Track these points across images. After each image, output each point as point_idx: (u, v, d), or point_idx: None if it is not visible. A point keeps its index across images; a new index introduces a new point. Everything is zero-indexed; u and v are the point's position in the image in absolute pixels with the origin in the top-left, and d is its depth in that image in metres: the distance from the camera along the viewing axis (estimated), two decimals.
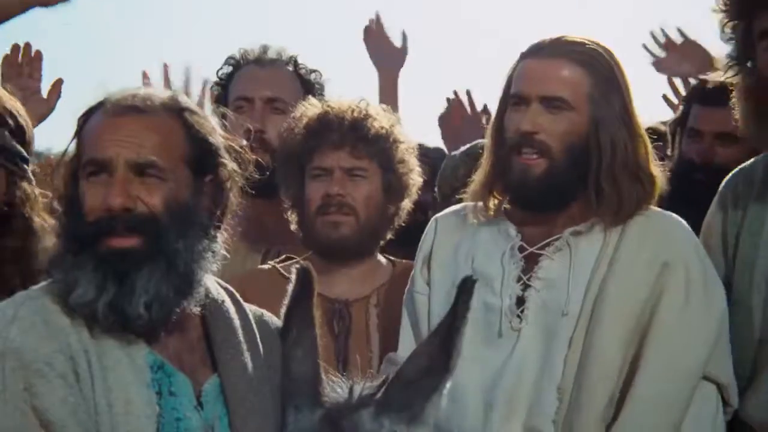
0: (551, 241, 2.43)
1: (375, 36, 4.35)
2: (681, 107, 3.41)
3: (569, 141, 2.39)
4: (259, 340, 2.06)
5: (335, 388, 1.81)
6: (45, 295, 1.94)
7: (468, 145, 3.41)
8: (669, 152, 3.39)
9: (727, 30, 2.58)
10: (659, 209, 2.47)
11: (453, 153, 3.47)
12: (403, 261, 2.90)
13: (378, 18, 4.39)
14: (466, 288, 1.51)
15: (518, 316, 2.39)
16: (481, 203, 2.52)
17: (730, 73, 2.59)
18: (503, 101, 2.47)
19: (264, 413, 1.96)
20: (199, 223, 1.99)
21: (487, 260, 2.46)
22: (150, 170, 1.94)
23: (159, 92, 2.04)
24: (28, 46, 3.29)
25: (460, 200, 3.13)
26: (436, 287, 2.52)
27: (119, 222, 1.90)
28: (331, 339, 2.76)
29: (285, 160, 2.92)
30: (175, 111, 2.01)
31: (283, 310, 2.04)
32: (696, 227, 2.94)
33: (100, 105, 2.01)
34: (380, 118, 2.84)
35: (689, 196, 3.02)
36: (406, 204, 2.88)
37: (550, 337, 2.36)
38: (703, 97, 3.24)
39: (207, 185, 2.02)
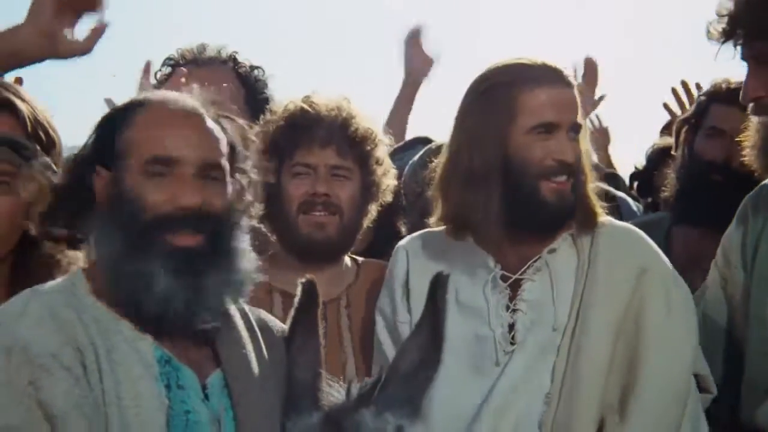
0: (530, 264, 2.49)
1: (416, 44, 4.37)
2: (694, 106, 3.40)
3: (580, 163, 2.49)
4: (260, 336, 2.10)
5: (330, 391, 1.85)
6: (53, 291, 1.97)
7: (422, 152, 3.43)
8: (674, 151, 3.43)
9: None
10: (615, 220, 2.59)
11: (411, 161, 3.46)
12: (366, 260, 2.91)
13: (422, 28, 4.40)
14: (440, 283, 1.57)
15: (510, 342, 2.45)
16: (449, 229, 2.51)
17: None
18: (505, 127, 2.43)
19: (268, 406, 2.00)
20: (240, 221, 2.05)
21: (472, 292, 2.49)
22: (214, 172, 2.01)
23: (192, 97, 2.11)
24: None
25: (424, 203, 3.13)
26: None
27: (192, 221, 1.94)
28: None
29: (261, 153, 2.74)
30: (215, 117, 2.09)
31: (288, 320, 2.08)
32: (711, 230, 3.05)
33: (141, 103, 2.06)
34: (364, 117, 2.83)
35: (705, 197, 3.14)
36: (375, 206, 2.87)
37: (541, 352, 2.43)
38: (727, 97, 3.22)
39: (236, 183, 2.10)
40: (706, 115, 3.30)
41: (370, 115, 2.88)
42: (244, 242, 2.04)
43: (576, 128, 2.47)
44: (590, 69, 4.30)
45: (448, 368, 2.28)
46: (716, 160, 3.19)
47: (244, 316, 2.13)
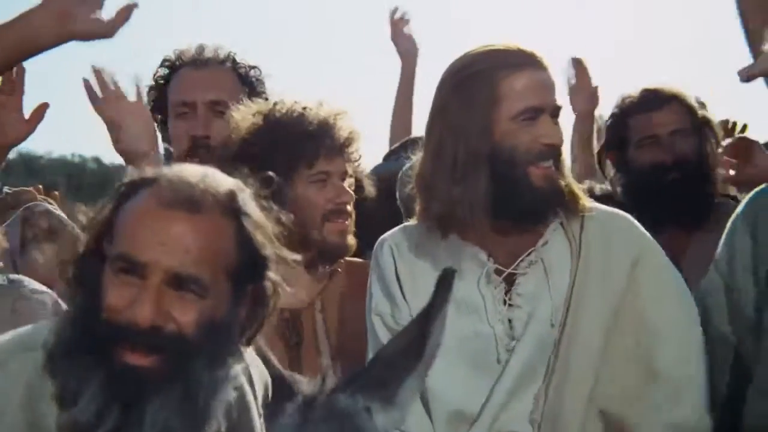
0: (524, 257, 2.44)
1: (400, 27, 4.44)
2: (608, 131, 3.50)
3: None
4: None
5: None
6: (43, 348, 1.71)
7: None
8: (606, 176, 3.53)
9: None
10: (601, 205, 2.55)
11: (404, 169, 3.33)
12: (341, 260, 2.86)
13: (401, 12, 4.46)
14: (446, 279, 1.53)
15: (511, 337, 2.41)
16: (434, 226, 2.44)
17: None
18: (489, 115, 2.38)
19: None
20: (230, 345, 1.75)
21: (466, 288, 2.42)
22: (191, 285, 1.68)
23: (218, 183, 1.76)
24: None
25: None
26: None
27: (143, 339, 1.65)
28: (284, 349, 2.73)
29: (267, 161, 2.66)
30: (231, 213, 1.74)
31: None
32: (678, 229, 3.17)
33: (150, 182, 1.74)
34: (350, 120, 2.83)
35: (664, 200, 3.21)
36: None
37: (540, 348, 2.38)
38: (646, 105, 3.36)
39: (246, 297, 1.78)
40: (629, 131, 3.39)
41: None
42: (217, 369, 1.71)
43: (557, 111, 2.44)
44: (579, 68, 4.20)
45: (448, 368, 2.26)
46: (665, 161, 3.29)
47: (252, 386, 1.90)
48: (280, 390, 1.72)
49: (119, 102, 2.92)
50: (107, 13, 2.38)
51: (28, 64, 2.62)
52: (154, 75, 3.34)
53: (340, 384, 1.50)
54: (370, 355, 2.46)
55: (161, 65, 3.36)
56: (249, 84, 3.32)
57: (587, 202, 2.48)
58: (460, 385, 2.37)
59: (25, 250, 3.27)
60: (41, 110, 2.80)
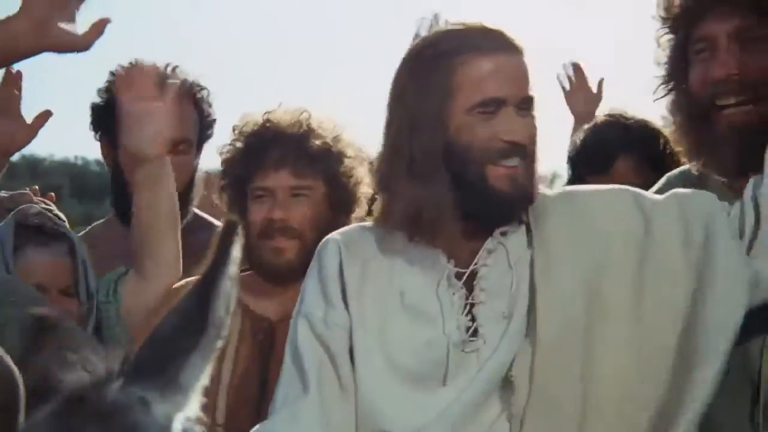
0: (482, 250, 2.23)
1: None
2: (569, 167, 3.46)
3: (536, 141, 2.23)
4: None
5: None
6: None
7: None
8: None
9: (664, 43, 2.52)
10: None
11: None
12: None
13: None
14: (227, 235, 1.30)
15: (470, 340, 2.18)
16: (394, 226, 2.27)
17: (661, 92, 2.52)
18: (444, 106, 2.16)
19: None
20: None
21: (421, 295, 2.22)
22: None
23: None
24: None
25: None
26: (358, 324, 2.25)
27: None
28: (258, 355, 2.71)
29: (228, 181, 2.85)
30: None
31: None
32: None
33: None
34: (323, 131, 2.74)
35: None
36: (359, 214, 2.76)
37: (509, 339, 2.16)
38: (595, 167, 3.39)
39: None
40: (585, 183, 3.28)
41: (337, 124, 2.81)
42: None
43: (525, 103, 2.17)
44: (578, 72, 4.21)
45: (389, 382, 2.14)
46: None
47: None
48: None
49: (144, 99, 2.77)
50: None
51: (31, 67, 2.62)
52: (100, 91, 3.26)
53: (109, 377, 1.26)
54: (287, 363, 2.28)
55: (106, 91, 3.27)
56: (200, 107, 3.24)
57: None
58: (403, 396, 2.16)
59: (19, 252, 3.12)
60: (43, 117, 2.85)
